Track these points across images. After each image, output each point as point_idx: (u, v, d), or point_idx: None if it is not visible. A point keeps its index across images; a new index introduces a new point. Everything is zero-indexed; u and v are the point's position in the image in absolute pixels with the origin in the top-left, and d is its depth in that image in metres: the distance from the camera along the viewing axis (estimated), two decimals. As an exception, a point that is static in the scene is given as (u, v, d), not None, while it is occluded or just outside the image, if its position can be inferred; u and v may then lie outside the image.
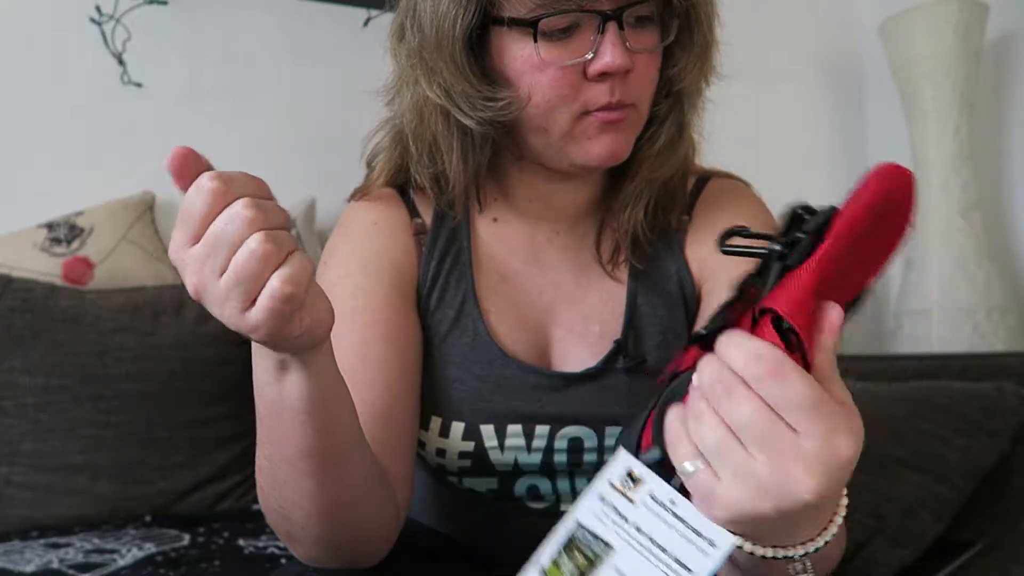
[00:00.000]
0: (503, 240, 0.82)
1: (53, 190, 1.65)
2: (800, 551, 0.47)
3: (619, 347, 0.78)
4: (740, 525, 0.43)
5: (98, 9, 1.72)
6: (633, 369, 0.77)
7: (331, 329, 0.53)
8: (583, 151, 0.73)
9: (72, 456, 1.34)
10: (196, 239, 0.46)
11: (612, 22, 0.68)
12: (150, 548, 1.18)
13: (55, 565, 1.11)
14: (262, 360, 0.55)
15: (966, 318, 1.95)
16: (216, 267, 0.46)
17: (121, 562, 1.13)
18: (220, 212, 0.46)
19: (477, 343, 0.78)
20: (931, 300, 1.99)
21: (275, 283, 0.46)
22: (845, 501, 0.49)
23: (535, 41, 0.68)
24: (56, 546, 1.20)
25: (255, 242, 0.45)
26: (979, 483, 1.23)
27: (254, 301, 0.47)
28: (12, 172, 1.66)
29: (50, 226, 1.58)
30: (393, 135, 0.82)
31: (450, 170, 0.77)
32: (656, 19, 0.72)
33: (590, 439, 0.77)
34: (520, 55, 0.70)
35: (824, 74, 2.49)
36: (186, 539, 1.24)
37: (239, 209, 0.46)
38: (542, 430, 0.76)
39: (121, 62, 1.74)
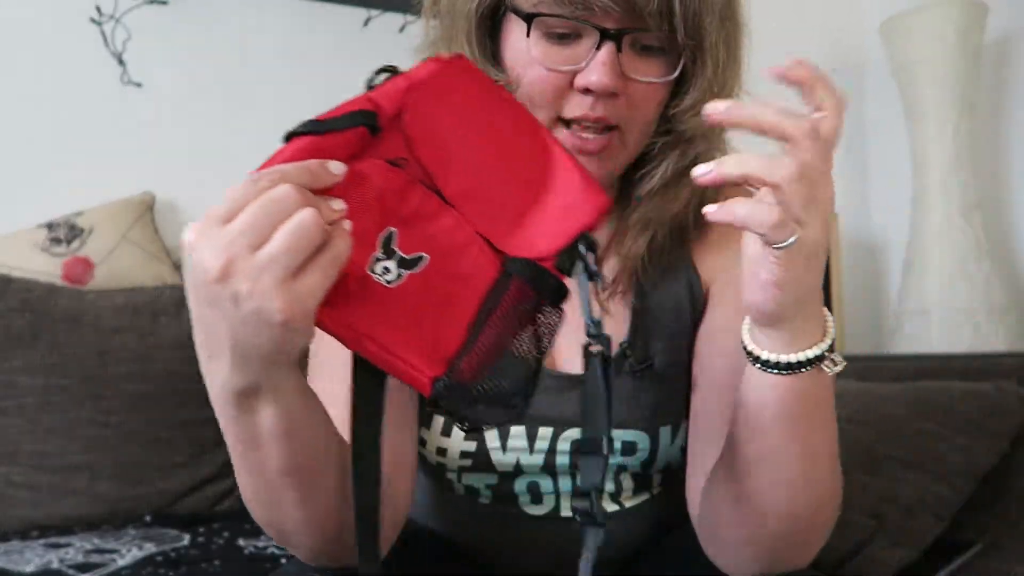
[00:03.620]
0: None
1: (53, 190, 1.65)
2: (823, 347, 0.56)
3: (624, 350, 0.77)
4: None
5: (98, 9, 1.72)
6: (638, 372, 0.77)
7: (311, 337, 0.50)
8: None
9: (72, 456, 1.34)
10: (231, 217, 0.44)
11: (610, 42, 0.67)
12: (150, 548, 1.18)
13: (55, 565, 1.11)
14: (232, 396, 0.50)
15: (966, 318, 1.95)
16: (254, 240, 0.43)
17: (121, 562, 1.13)
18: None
19: None
20: (931, 300, 1.99)
21: (341, 245, 0.45)
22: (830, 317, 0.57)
23: (527, 36, 0.69)
24: (56, 546, 1.20)
25: (308, 213, 0.44)
26: (979, 483, 1.23)
27: (294, 275, 0.44)
28: (12, 172, 1.66)
29: (50, 226, 1.58)
30: None
31: None
32: (667, 52, 0.70)
33: None
34: (516, 45, 0.70)
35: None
36: (186, 539, 1.24)
37: (288, 188, 0.45)
38: (545, 432, 0.76)
39: (121, 62, 1.74)
